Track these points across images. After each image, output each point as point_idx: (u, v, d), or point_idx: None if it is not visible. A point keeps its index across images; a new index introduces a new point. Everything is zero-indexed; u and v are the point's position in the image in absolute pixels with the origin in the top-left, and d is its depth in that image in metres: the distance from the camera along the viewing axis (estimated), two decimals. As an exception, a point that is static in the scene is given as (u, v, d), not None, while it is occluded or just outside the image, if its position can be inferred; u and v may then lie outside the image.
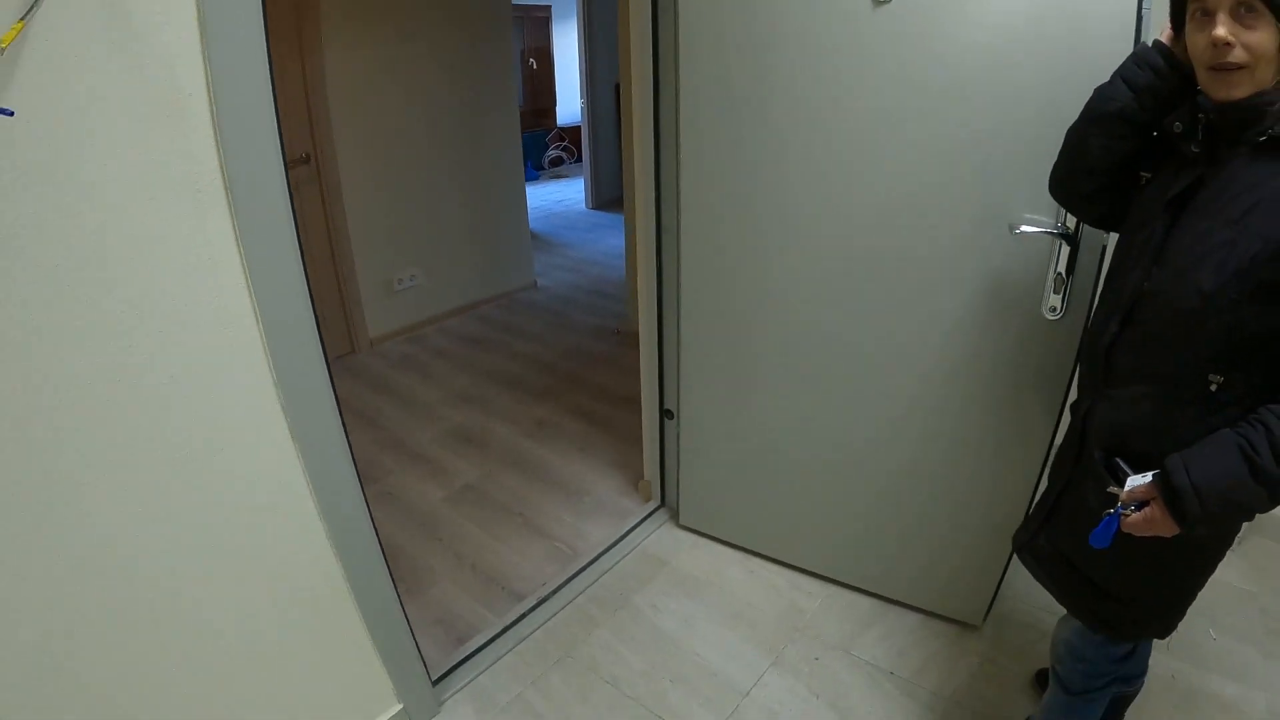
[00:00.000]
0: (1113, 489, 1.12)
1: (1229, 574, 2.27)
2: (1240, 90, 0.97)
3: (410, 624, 1.74)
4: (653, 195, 2.19)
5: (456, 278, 4.51)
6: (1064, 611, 1.44)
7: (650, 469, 2.59)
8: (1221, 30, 0.94)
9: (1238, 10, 0.93)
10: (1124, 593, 1.24)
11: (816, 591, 2.23)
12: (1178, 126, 1.09)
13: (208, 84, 1.04)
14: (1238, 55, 0.95)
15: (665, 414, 2.43)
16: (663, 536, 2.50)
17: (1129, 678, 1.57)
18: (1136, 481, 1.08)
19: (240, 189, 1.11)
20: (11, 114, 0.82)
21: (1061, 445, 1.38)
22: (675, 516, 2.55)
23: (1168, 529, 1.04)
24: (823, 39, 1.67)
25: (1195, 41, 1.00)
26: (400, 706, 1.75)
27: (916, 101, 1.59)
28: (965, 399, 1.80)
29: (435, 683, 1.89)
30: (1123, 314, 1.15)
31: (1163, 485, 1.03)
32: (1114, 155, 1.20)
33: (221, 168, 1.09)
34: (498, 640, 2.06)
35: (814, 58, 1.69)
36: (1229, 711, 1.82)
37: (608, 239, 6.31)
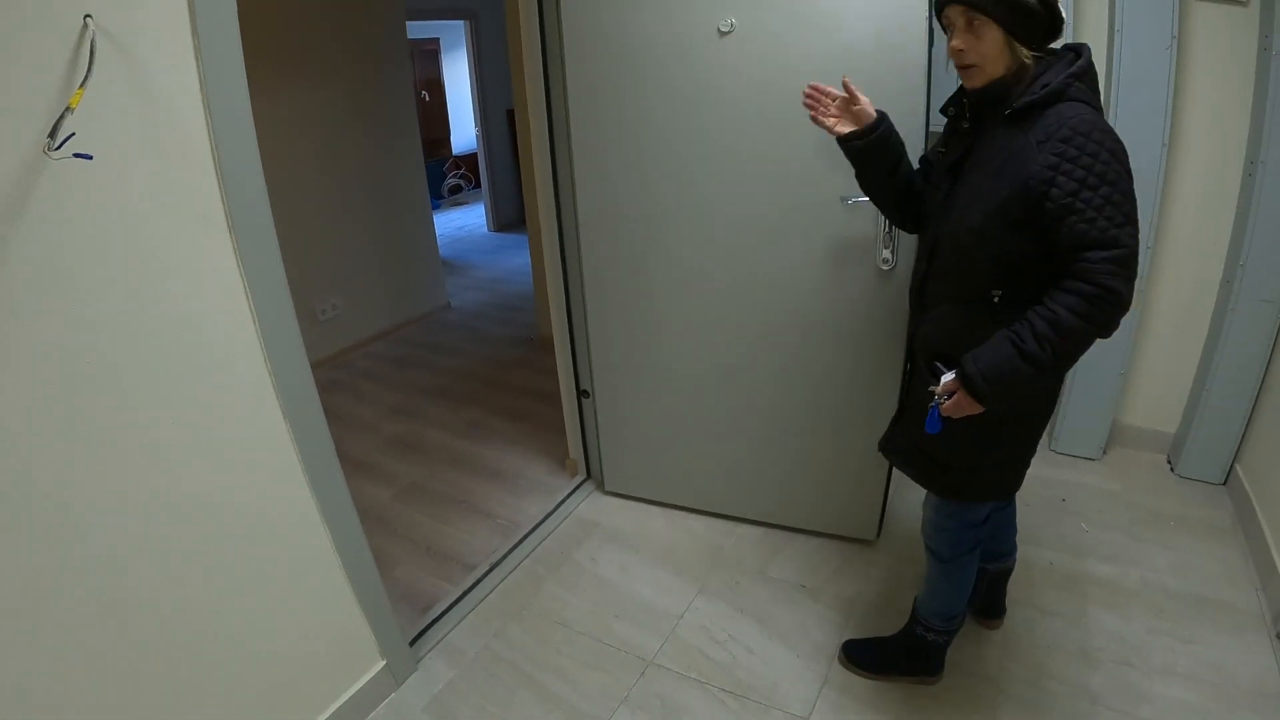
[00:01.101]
0: (932, 387, 1.50)
1: (1095, 478, 2.75)
2: (978, 82, 1.39)
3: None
4: (553, 203, 2.53)
5: (375, 304, 4.73)
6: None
7: (574, 447, 2.92)
8: (956, 42, 1.37)
9: (968, 24, 1.35)
10: (960, 463, 1.60)
11: (730, 530, 2.60)
12: (951, 111, 1.52)
13: (210, 134, 1.34)
14: (970, 59, 1.37)
15: (582, 394, 2.76)
16: (592, 503, 2.83)
17: (998, 554, 1.96)
18: (946, 378, 1.46)
19: (237, 212, 1.41)
20: (91, 158, 1.10)
21: (905, 363, 1.78)
22: (601, 485, 2.88)
23: (972, 408, 1.42)
24: (683, 58, 2.06)
25: (948, 48, 1.41)
26: (384, 663, 1.99)
27: (764, 109, 2.00)
28: (829, 340, 2.20)
29: (411, 643, 2.15)
30: (928, 255, 1.56)
31: (960, 376, 1.41)
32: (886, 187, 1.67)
33: (222, 196, 1.37)
34: (459, 604, 2.34)
35: (678, 73, 2.09)
36: (1106, 586, 2.22)
37: (512, 258, 6.60)
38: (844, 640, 2.03)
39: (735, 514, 2.63)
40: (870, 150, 1.59)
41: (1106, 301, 1.25)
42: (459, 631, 2.24)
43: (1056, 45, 1.38)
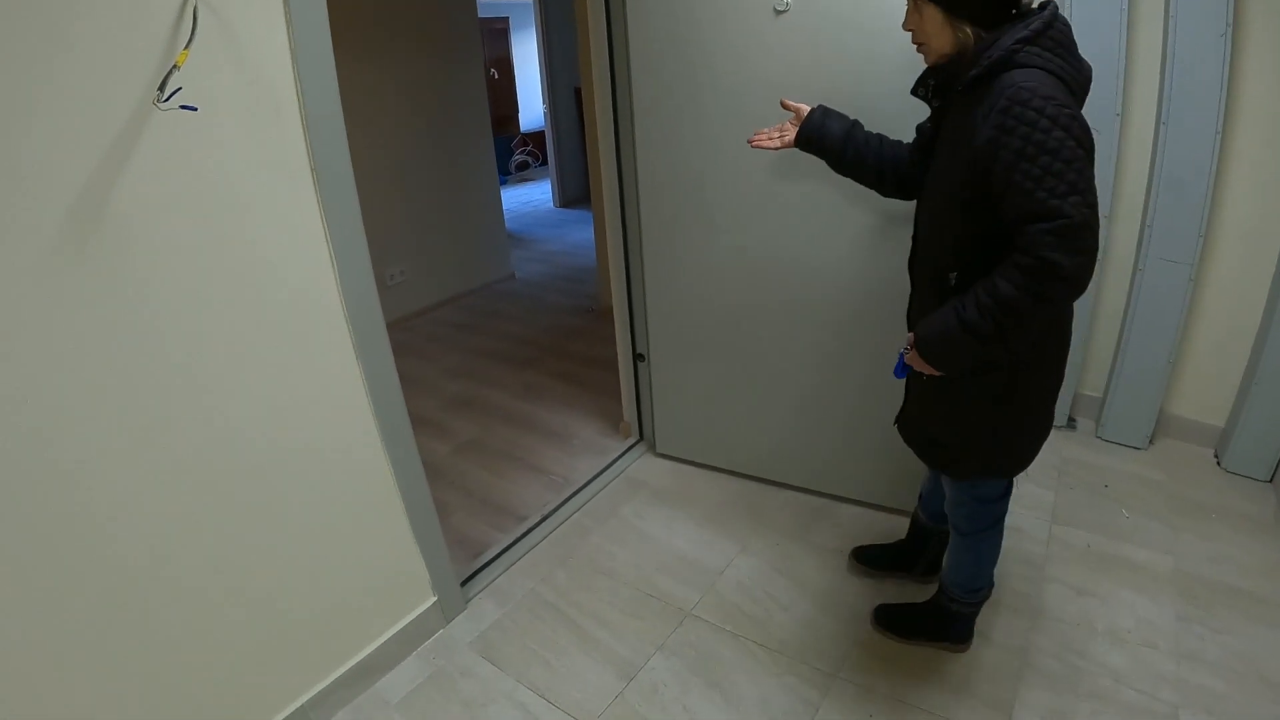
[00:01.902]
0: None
1: (1139, 467, 2.73)
2: (929, 60, 1.45)
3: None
4: (615, 178, 2.64)
5: (441, 272, 4.92)
6: None
7: (628, 410, 3.03)
8: (904, 23, 1.44)
9: (912, 5, 1.41)
10: (952, 440, 1.64)
11: (774, 495, 2.67)
12: (921, 92, 1.54)
13: (298, 94, 1.46)
14: (918, 36, 1.43)
15: (638, 358, 2.86)
16: (642, 464, 2.93)
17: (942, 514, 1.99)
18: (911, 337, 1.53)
19: (322, 169, 1.54)
20: (196, 109, 1.23)
21: None
22: (653, 447, 2.98)
23: (922, 366, 1.48)
24: (743, 36, 2.12)
25: (903, 26, 1.46)
26: (435, 599, 2.12)
27: (822, 87, 2.04)
28: (878, 316, 2.23)
29: (462, 584, 2.29)
30: (914, 234, 1.62)
31: (914, 334, 1.48)
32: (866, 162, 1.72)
33: (309, 153, 1.50)
34: (509, 551, 2.47)
35: (738, 52, 2.15)
36: (1141, 570, 2.22)
37: (575, 233, 6.73)
38: (876, 605, 2.09)
39: (781, 480, 2.70)
40: (813, 137, 1.72)
41: (1044, 273, 1.20)
42: (508, 576, 2.37)
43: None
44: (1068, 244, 1.18)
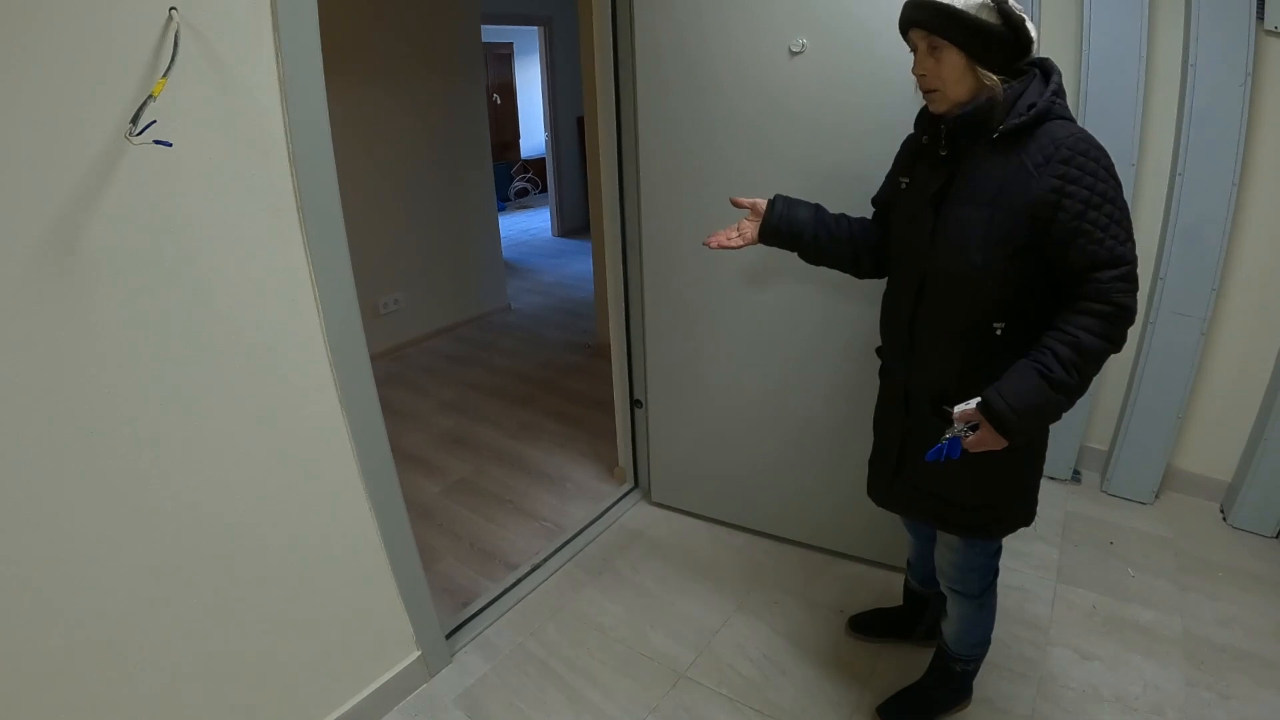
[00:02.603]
0: (953, 416, 1.40)
1: (1145, 523, 2.66)
2: (940, 106, 1.37)
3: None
4: (617, 212, 2.56)
5: (436, 301, 4.84)
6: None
7: (624, 455, 2.94)
8: (915, 68, 1.36)
9: (929, 49, 1.33)
10: (984, 500, 1.54)
11: (773, 550, 2.58)
12: (926, 139, 1.47)
13: (286, 127, 1.39)
14: (931, 83, 1.35)
15: (635, 403, 2.78)
16: (637, 512, 2.84)
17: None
18: (964, 405, 1.37)
19: (309, 207, 1.46)
20: (170, 145, 1.15)
21: (884, 407, 1.72)
22: (648, 495, 2.89)
23: (997, 444, 1.35)
24: (754, 76, 2.07)
25: (914, 71, 1.38)
26: (418, 653, 2.03)
27: (833, 126, 1.99)
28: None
29: (448, 636, 2.19)
30: (914, 290, 1.49)
31: (985, 412, 1.32)
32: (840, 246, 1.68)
33: (295, 190, 1.43)
34: (498, 601, 2.37)
35: (749, 93, 2.09)
36: (1148, 633, 2.14)
37: (574, 264, 6.67)
38: (877, 706, 1.91)
39: (779, 533, 2.61)
40: (782, 228, 1.66)
41: (1121, 319, 1.27)
42: (496, 628, 2.27)
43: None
44: (1133, 287, 1.27)
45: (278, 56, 1.35)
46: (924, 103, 1.43)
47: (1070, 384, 1.28)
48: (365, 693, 1.90)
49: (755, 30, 2.02)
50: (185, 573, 1.46)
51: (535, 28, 6.97)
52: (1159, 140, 2.48)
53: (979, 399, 1.35)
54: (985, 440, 1.36)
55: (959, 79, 1.31)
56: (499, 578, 2.49)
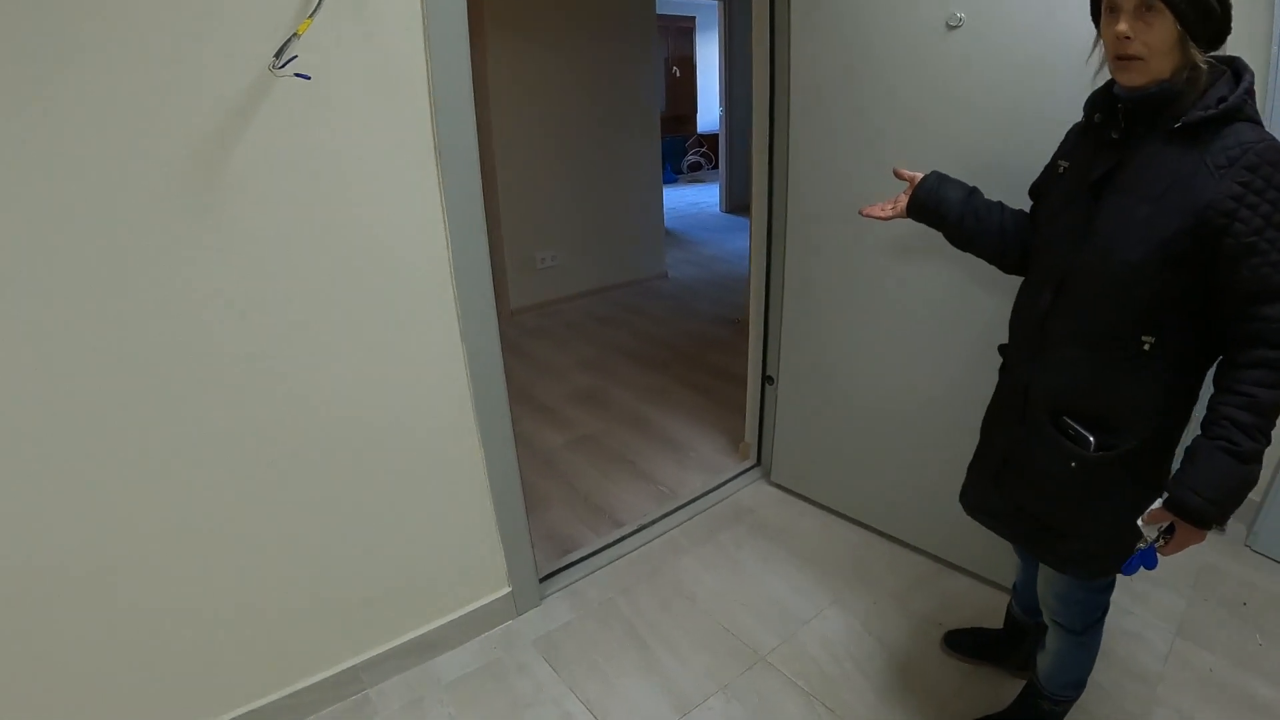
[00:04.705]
0: (1140, 523, 1.23)
1: None
2: (1138, 79, 1.17)
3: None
4: (765, 190, 2.54)
5: (592, 261, 4.97)
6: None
7: (750, 430, 2.91)
8: (1123, 26, 1.15)
9: (1140, 9, 1.13)
10: (1080, 530, 1.38)
11: (882, 549, 2.47)
12: (1098, 117, 1.30)
13: (428, 76, 1.47)
14: (1136, 49, 1.15)
15: (767, 379, 2.73)
16: (754, 490, 2.80)
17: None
18: (1152, 508, 1.22)
19: (446, 152, 1.54)
20: (309, 79, 1.24)
21: (997, 409, 1.54)
22: (767, 475, 2.84)
23: (1198, 539, 1.21)
24: (908, 58, 1.96)
25: (1105, 34, 1.20)
26: (509, 589, 2.12)
27: (994, 108, 1.85)
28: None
29: (541, 580, 2.26)
30: (1054, 286, 1.33)
31: (1179, 511, 1.17)
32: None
33: (434, 132, 1.51)
34: (597, 555, 2.42)
35: (902, 68, 1.98)
36: (1259, 711, 1.87)
37: (737, 240, 6.62)
38: None
39: (891, 533, 2.50)
40: (929, 203, 1.57)
41: None
42: (589, 580, 2.33)
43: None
44: None
45: (422, 5, 1.42)
46: (1098, 85, 1.29)
47: (1260, 449, 1.14)
48: (451, 617, 2.01)
49: (912, 1, 1.91)
50: (295, 472, 1.61)
51: (716, 2, 6.90)
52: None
53: (1164, 497, 1.20)
54: (1184, 541, 1.22)
55: (1168, 50, 1.14)
56: (603, 532, 2.54)
